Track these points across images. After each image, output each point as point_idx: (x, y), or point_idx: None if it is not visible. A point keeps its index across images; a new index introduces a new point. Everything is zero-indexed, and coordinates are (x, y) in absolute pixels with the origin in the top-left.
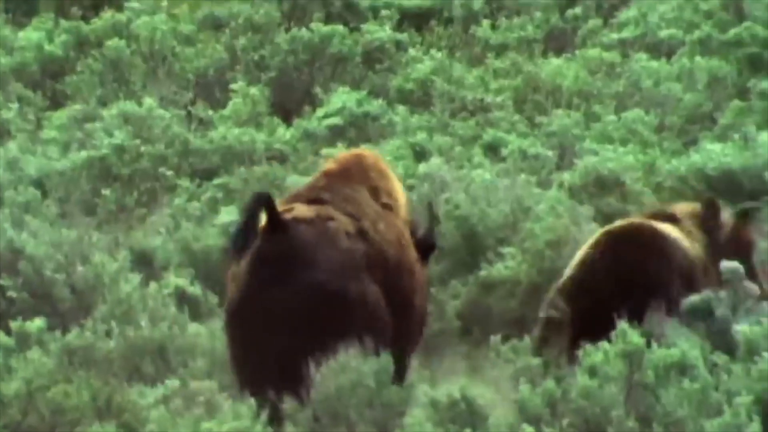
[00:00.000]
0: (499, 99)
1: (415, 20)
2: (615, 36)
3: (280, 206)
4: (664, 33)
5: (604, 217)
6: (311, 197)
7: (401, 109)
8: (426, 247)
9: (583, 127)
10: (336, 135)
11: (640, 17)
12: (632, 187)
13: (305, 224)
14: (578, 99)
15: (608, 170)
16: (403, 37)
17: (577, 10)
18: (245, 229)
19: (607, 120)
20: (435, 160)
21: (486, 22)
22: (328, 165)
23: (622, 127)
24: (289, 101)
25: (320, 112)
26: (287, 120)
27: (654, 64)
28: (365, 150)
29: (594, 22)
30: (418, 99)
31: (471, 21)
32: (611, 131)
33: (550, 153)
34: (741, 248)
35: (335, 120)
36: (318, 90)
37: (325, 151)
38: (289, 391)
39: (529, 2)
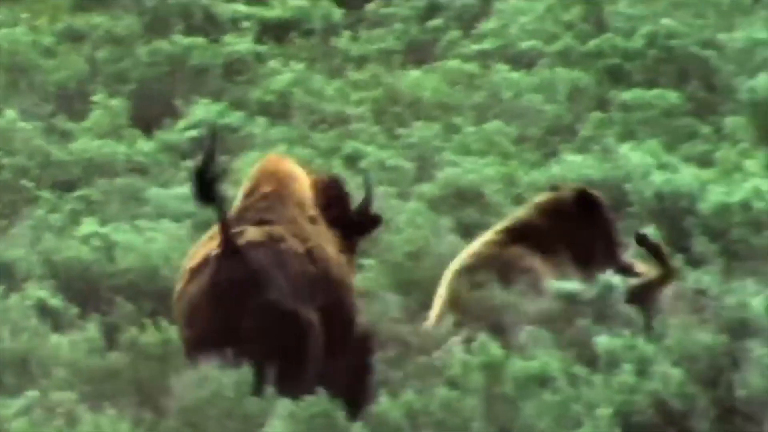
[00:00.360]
0: (358, 111)
1: (275, 32)
2: (475, 47)
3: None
4: (524, 44)
5: (463, 229)
6: (257, 219)
7: (261, 120)
8: (370, 224)
9: (442, 138)
10: (196, 147)
11: (500, 28)
12: (492, 199)
13: (258, 248)
14: (438, 110)
15: (468, 182)
16: (263, 49)
17: (437, 21)
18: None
19: (467, 131)
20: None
21: (346, 34)
22: (254, 182)
23: (481, 139)
24: (149, 113)
25: (181, 124)
26: (148, 132)
27: (514, 75)
28: (274, 158)
29: (454, 33)
30: (278, 111)
31: (331, 33)
32: (471, 143)
33: (409, 165)
34: (603, 227)
35: (196, 132)
36: (179, 102)
37: (185, 163)
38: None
39: (389, 14)
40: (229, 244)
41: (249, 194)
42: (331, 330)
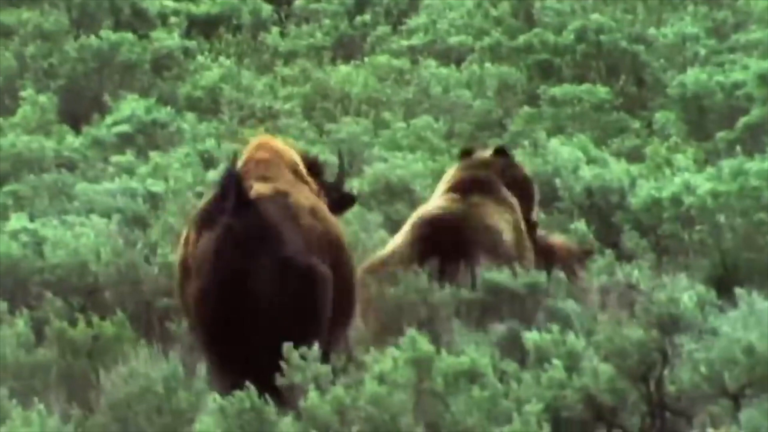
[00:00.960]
0: (288, 106)
1: (203, 27)
2: (404, 43)
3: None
4: (453, 39)
5: (393, 224)
6: (259, 176)
7: (190, 116)
8: (345, 202)
9: (372, 134)
10: (125, 142)
11: (429, 24)
12: (421, 194)
13: (267, 201)
14: (367, 106)
15: (397, 177)
16: (191, 44)
17: (366, 17)
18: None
19: (396, 127)
20: (224, 168)
21: (275, 30)
22: (249, 154)
23: (411, 134)
24: (78, 109)
25: (109, 119)
26: (76, 127)
27: (443, 70)
28: (264, 136)
29: (383, 29)
30: (207, 106)
31: (260, 28)
32: (400, 138)
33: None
34: (524, 188)
35: (124, 127)
36: (107, 97)
37: (114, 158)
38: (272, 370)
39: (317, 9)
40: (241, 196)
41: (245, 163)
42: (337, 292)
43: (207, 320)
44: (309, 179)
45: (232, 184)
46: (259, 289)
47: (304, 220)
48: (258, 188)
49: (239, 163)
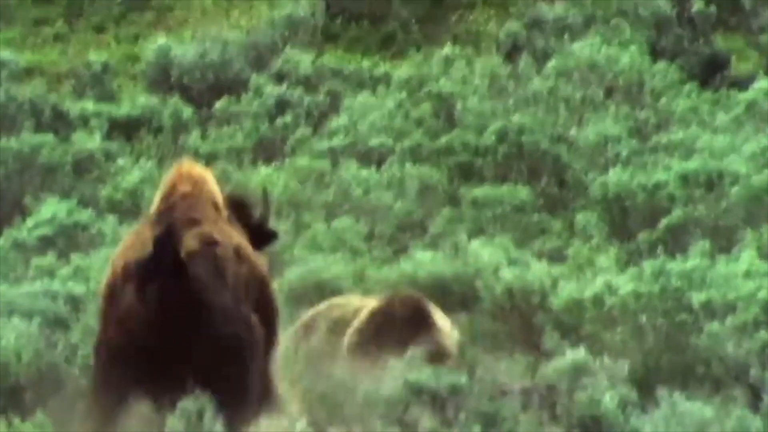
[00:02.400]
0: None
1: (124, 129)
2: (325, 144)
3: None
4: (374, 141)
5: None
6: (186, 219)
7: (111, 218)
8: (266, 237)
9: (292, 235)
10: (46, 245)
11: (350, 125)
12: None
13: (198, 259)
14: (288, 208)
15: (318, 279)
16: (112, 146)
17: (287, 118)
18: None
19: (317, 228)
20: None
21: (195, 132)
22: (171, 184)
23: (331, 236)
24: None
25: (30, 222)
26: None
27: (364, 172)
28: (188, 161)
29: (303, 130)
30: (128, 208)
31: (180, 130)
32: (321, 240)
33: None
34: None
35: (45, 230)
36: (28, 200)
37: (35, 260)
38: None
39: (237, 111)
40: (174, 260)
41: (168, 195)
42: (262, 325)
43: (121, 373)
44: (227, 214)
45: (167, 247)
46: (192, 360)
47: (231, 270)
48: (187, 243)
49: (163, 188)
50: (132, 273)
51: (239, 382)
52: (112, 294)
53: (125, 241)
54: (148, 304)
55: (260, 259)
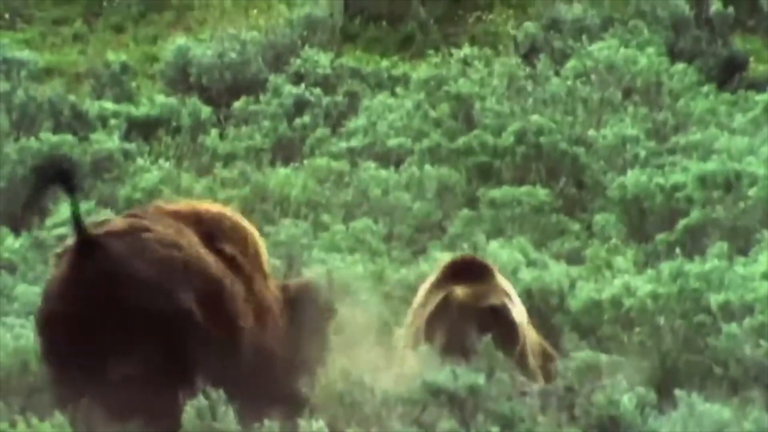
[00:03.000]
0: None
1: (143, 129)
2: (343, 145)
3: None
4: (392, 141)
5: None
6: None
7: None
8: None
9: (311, 236)
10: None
11: (368, 126)
12: (361, 297)
13: (116, 238)
14: (306, 208)
15: (337, 279)
16: (131, 146)
17: (305, 118)
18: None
19: (336, 229)
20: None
21: (214, 132)
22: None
23: (350, 237)
24: (18, 211)
25: (49, 221)
26: (16, 230)
27: (383, 172)
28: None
29: (322, 130)
30: None
31: (199, 130)
32: (339, 240)
33: (278, 262)
34: None
35: (64, 230)
36: (46, 200)
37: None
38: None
39: (256, 111)
40: (83, 236)
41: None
42: (217, 325)
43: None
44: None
45: (75, 224)
46: (102, 332)
47: (160, 254)
48: (112, 224)
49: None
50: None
51: (161, 355)
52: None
53: None
54: (60, 275)
55: (219, 264)
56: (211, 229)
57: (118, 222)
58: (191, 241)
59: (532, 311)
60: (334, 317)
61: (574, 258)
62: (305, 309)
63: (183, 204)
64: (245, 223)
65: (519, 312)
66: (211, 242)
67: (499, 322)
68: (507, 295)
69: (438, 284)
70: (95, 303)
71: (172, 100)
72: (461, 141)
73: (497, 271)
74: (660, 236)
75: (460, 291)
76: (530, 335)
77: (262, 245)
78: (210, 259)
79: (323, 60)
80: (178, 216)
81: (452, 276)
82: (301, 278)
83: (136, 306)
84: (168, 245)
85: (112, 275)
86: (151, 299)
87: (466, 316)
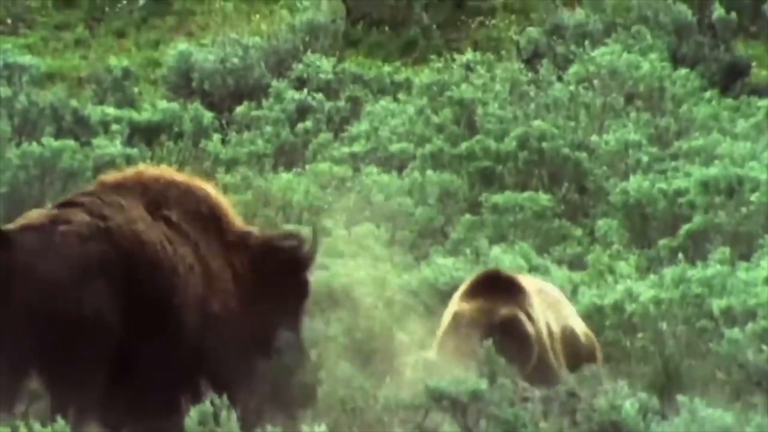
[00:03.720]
0: None
1: (145, 135)
2: (346, 150)
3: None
4: (395, 147)
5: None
6: (64, 201)
7: None
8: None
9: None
10: None
11: (371, 131)
12: (363, 302)
13: (31, 232)
14: (308, 213)
15: (339, 285)
16: (133, 152)
17: (308, 123)
18: None
19: (338, 234)
20: None
21: (216, 137)
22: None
23: (352, 242)
24: (20, 216)
25: None
26: None
27: (385, 178)
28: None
29: (324, 136)
30: None
31: (201, 135)
32: (341, 246)
33: None
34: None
35: None
36: (49, 205)
37: None
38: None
39: (258, 116)
40: None
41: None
42: (151, 303)
43: None
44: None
45: None
46: (9, 331)
47: (72, 248)
48: (30, 217)
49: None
50: None
51: (64, 361)
52: None
53: None
54: None
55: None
56: (156, 198)
57: (38, 214)
58: (128, 217)
59: None
60: (314, 271)
61: (576, 263)
62: (276, 264)
63: (130, 174)
64: (199, 184)
65: (544, 316)
66: (157, 210)
67: (511, 334)
68: (529, 304)
69: (463, 301)
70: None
71: (174, 106)
72: (464, 146)
73: (525, 280)
74: (662, 241)
75: (467, 307)
76: (562, 336)
77: (221, 205)
78: (146, 234)
79: (325, 65)
80: (121, 188)
81: (475, 291)
82: (282, 230)
83: (41, 307)
84: (87, 238)
85: (19, 273)
86: (56, 300)
87: (475, 332)
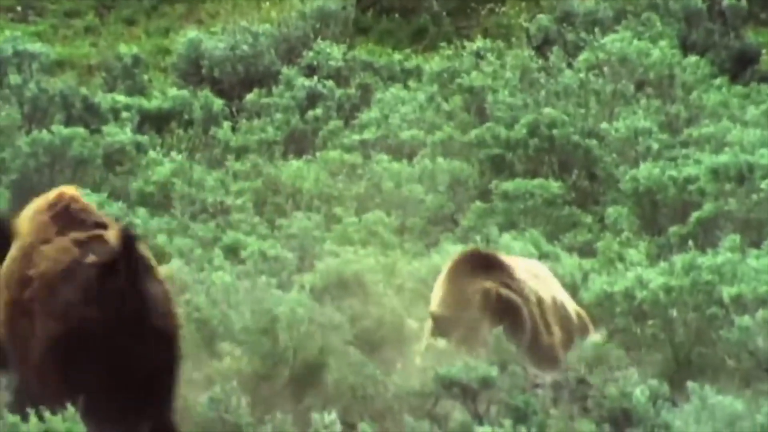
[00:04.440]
0: (239, 201)
1: (155, 122)
2: (356, 137)
3: None
4: (405, 134)
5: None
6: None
7: (141, 211)
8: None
9: (323, 228)
10: None
11: (381, 118)
12: (373, 289)
13: None
14: (319, 201)
15: (349, 272)
16: (143, 139)
17: (318, 111)
18: None
19: (348, 222)
20: (175, 262)
21: (226, 124)
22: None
23: (362, 229)
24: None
25: None
26: None
27: (395, 165)
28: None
29: (335, 123)
30: (159, 201)
31: (211, 123)
32: (352, 233)
33: (290, 255)
34: None
35: None
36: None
37: None
38: None
39: (269, 104)
40: None
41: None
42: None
43: None
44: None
45: None
46: None
47: None
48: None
49: None
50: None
51: None
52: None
53: None
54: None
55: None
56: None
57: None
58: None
59: None
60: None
61: (586, 250)
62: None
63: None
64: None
65: (530, 287)
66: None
67: (496, 306)
68: (510, 277)
69: (450, 281)
70: None
71: (185, 93)
72: (474, 133)
73: (507, 257)
74: (672, 229)
75: (451, 287)
76: (552, 306)
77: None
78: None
79: (336, 52)
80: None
81: (461, 271)
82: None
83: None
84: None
85: None
86: None
87: (464, 313)
